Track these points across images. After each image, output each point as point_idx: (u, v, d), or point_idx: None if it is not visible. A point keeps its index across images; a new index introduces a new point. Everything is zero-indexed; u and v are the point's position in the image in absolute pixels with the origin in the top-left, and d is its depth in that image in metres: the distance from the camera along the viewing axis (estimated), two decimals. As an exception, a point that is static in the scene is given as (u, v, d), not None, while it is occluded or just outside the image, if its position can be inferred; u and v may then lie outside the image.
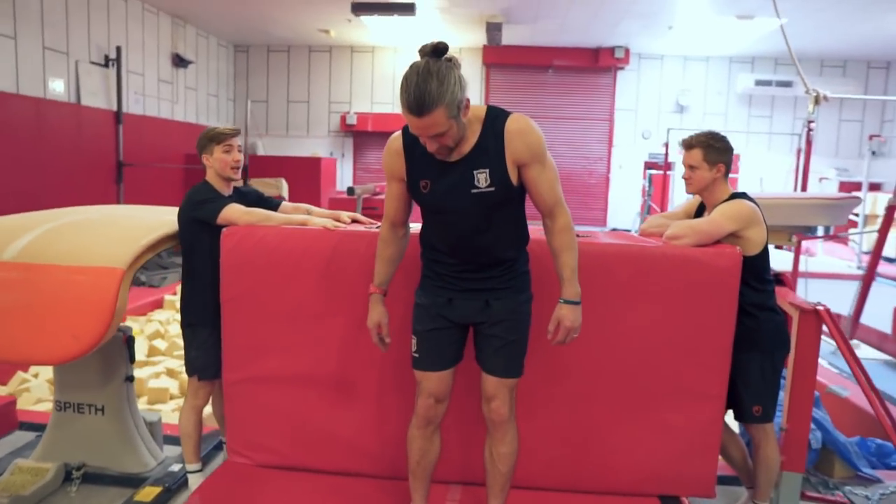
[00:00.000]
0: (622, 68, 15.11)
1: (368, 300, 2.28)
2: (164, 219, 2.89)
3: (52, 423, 3.08)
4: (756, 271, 2.63)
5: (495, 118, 2.10)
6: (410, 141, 2.12)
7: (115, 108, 10.65)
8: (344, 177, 15.94)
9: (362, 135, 15.95)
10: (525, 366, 2.27)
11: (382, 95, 15.83)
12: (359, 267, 2.54)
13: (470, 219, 2.11)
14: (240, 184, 3.01)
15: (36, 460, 3.04)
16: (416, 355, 2.25)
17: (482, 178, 2.06)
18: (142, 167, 11.20)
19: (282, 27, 13.84)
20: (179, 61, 12.98)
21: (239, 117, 16.00)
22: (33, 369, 4.72)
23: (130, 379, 3.11)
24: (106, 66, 10.60)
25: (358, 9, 11.34)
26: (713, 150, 2.67)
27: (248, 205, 2.91)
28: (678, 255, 2.53)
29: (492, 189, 2.07)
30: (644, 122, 15.34)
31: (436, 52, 1.95)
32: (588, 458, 2.63)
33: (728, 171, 2.72)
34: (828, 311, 2.95)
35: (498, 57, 15.08)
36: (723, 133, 2.76)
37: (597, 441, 2.62)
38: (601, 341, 2.55)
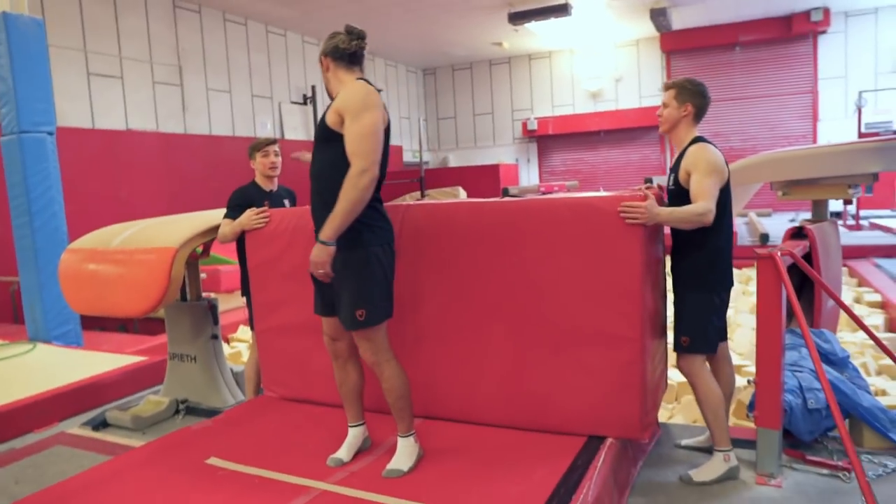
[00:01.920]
0: (823, 32, 13.62)
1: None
2: (216, 217, 3.78)
3: (168, 370, 4.16)
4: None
5: (350, 83, 2.58)
6: None
7: (313, 138, 12.49)
8: (530, 179, 16.52)
9: (545, 138, 16.41)
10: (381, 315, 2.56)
11: (562, 98, 16.14)
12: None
13: (313, 152, 2.65)
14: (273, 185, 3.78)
15: (160, 396, 4.14)
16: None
17: (321, 118, 2.60)
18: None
19: (460, 47, 14.96)
20: (371, 91, 14.69)
21: (431, 135, 17.47)
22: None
23: (215, 337, 4.07)
24: (304, 103, 12.53)
25: (514, 18, 11.94)
26: (685, 90, 2.83)
27: (279, 198, 3.71)
28: (583, 205, 2.73)
29: (319, 126, 2.58)
30: (857, 89, 13.57)
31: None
32: (522, 397, 2.88)
33: (697, 114, 2.83)
34: (791, 255, 2.89)
35: (677, 42, 14.56)
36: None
37: (528, 381, 2.86)
38: (523, 288, 2.82)
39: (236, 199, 3.57)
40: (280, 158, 3.76)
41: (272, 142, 3.75)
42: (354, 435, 2.84)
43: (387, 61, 15.62)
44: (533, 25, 12.42)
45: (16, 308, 6.96)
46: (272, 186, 3.76)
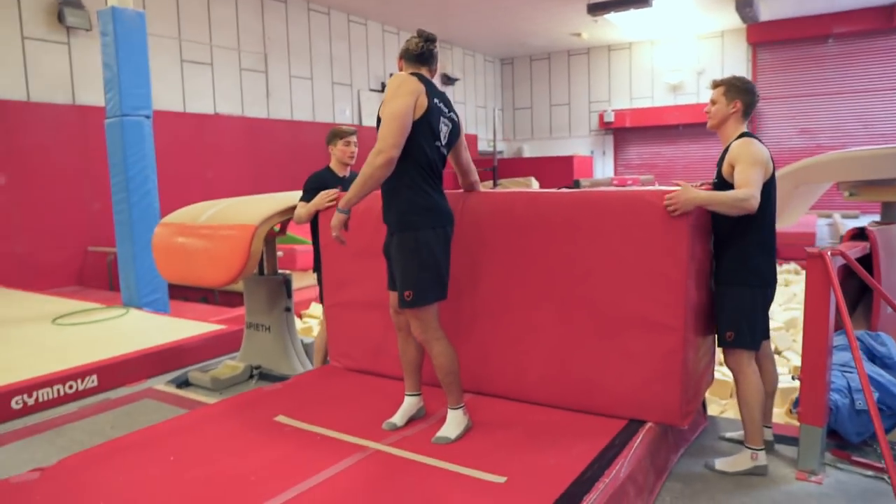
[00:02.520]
0: (927, 24, 12.84)
1: None
2: (294, 198, 4.06)
3: (245, 338, 4.52)
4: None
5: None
6: None
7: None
8: (605, 172, 16.35)
9: (622, 131, 16.20)
10: (438, 295, 2.76)
11: (641, 90, 15.87)
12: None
13: None
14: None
15: (236, 361, 4.50)
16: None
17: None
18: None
19: (539, 37, 14.94)
20: (447, 80, 14.90)
21: (507, 125, 17.53)
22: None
23: (288, 309, 4.39)
24: (382, 91, 12.88)
25: (593, 9, 11.83)
26: (734, 87, 2.90)
27: (351, 182, 3.94)
28: (633, 198, 2.83)
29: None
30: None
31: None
32: (568, 378, 3.01)
33: (745, 111, 2.89)
34: (843, 255, 2.91)
35: (764, 34, 14.05)
36: None
37: (575, 363, 2.99)
38: (574, 275, 2.95)
39: (312, 184, 3.84)
40: (357, 149, 4.01)
41: (354, 132, 4.00)
42: (410, 403, 3.05)
43: (465, 50, 15.78)
44: (612, 16, 12.27)
45: (111, 276, 7.59)
46: (345, 173, 4.01)
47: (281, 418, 3.05)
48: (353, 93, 12.37)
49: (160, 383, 4.38)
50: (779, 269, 8.80)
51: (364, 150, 4.37)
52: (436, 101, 2.78)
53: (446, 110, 2.86)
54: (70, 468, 2.62)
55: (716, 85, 2.98)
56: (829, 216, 12.24)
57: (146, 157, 5.97)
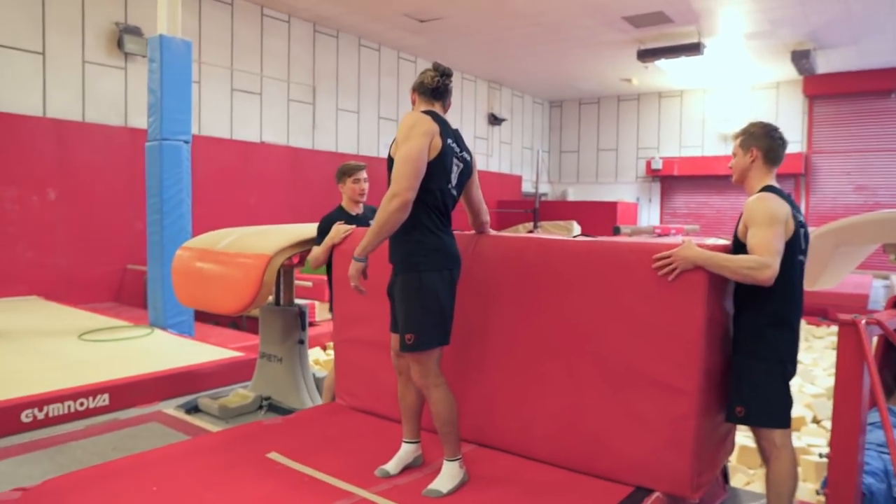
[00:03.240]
0: None
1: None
2: (312, 230, 4.02)
3: (257, 367, 4.47)
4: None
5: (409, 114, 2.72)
6: None
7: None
8: (650, 219, 16.06)
9: (669, 179, 15.93)
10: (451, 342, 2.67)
11: (691, 139, 15.62)
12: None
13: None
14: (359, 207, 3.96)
15: (248, 390, 4.45)
16: None
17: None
18: (459, 212, 13.24)
19: (589, 82, 14.92)
20: (494, 120, 14.96)
21: (553, 168, 17.45)
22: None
23: (302, 342, 4.33)
24: (427, 128, 12.97)
25: (643, 55, 11.77)
26: (749, 135, 2.70)
27: (365, 220, 3.88)
28: (649, 251, 2.68)
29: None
30: None
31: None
32: (574, 437, 2.82)
33: (767, 158, 2.67)
34: (879, 324, 2.69)
35: (822, 87, 13.71)
36: None
37: (582, 422, 2.80)
38: (586, 328, 2.79)
39: (324, 226, 3.76)
40: (368, 184, 3.94)
41: (362, 167, 3.92)
42: (406, 450, 2.92)
43: (513, 91, 15.84)
44: (663, 63, 12.17)
45: (147, 295, 7.72)
46: (358, 210, 3.93)
47: (274, 455, 2.96)
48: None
49: (171, 407, 4.35)
50: (826, 331, 8.37)
51: (380, 178, 4.32)
52: (449, 141, 2.71)
53: (458, 150, 2.79)
54: (51, 490, 2.57)
55: (735, 137, 2.81)
56: (886, 277, 11.68)
57: (182, 181, 6.08)
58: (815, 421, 4.78)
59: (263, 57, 10.10)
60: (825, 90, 13.75)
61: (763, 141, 2.68)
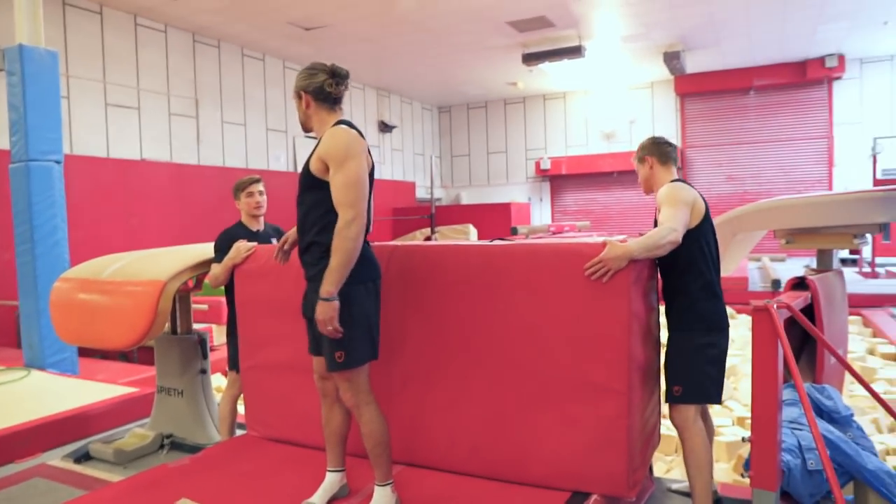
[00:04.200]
0: (838, 78, 13.59)
1: None
2: (209, 251, 3.74)
3: (155, 403, 4.10)
4: (689, 251, 2.67)
5: (332, 126, 2.55)
6: None
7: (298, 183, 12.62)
8: (542, 218, 16.47)
9: (558, 178, 16.42)
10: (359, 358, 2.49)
11: (576, 138, 16.18)
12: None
13: (299, 201, 2.60)
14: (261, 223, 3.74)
15: (146, 429, 4.07)
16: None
17: (305, 163, 2.57)
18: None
19: (476, 86, 15.11)
20: (385, 127, 14.84)
21: (445, 172, 17.55)
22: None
23: (203, 371, 4.02)
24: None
25: (528, 59, 12.05)
26: (642, 149, 2.97)
27: (266, 237, 3.66)
28: (569, 251, 2.66)
29: (303, 171, 2.55)
30: (873, 135, 13.44)
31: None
32: (504, 448, 2.77)
33: (661, 161, 2.91)
34: (788, 308, 2.80)
35: (691, 86, 14.60)
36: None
37: (510, 431, 2.75)
38: (509, 334, 2.74)
39: (223, 242, 3.52)
40: (265, 197, 3.71)
41: (256, 180, 3.69)
42: (331, 480, 2.75)
43: (402, 98, 15.79)
44: (547, 66, 12.52)
45: (20, 333, 6.97)
46: (259, 226, 3.71)
47: (185, 502, 2.69)
48: (289, 139, 12.10)
49: (56, 457, 3.91)
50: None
51: (280, 193, 4.08)
52: (369, 153, 2.60)
53: (372, 160, 2.66)
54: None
55: (633, 160, 3.03)
56: (758, 259, 12.59)
57: (55, 205, 5.53)
58: (719, 402, 4.98)
59: (140, 69, 9.45)
60: (694, 88, 14.67)
61: (651, 148, 2.94)
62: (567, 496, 2.66)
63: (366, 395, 2.57)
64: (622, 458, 2.61)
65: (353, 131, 2.52)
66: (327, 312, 2.39)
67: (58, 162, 5.58)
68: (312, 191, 2.53)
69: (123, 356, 6.91)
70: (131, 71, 9.34)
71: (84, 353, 6.03)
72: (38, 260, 5.45)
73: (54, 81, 5.61)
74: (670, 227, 2.57)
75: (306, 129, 2.67)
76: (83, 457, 3.84)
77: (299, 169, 11.24)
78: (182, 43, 10.09)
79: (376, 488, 2.59)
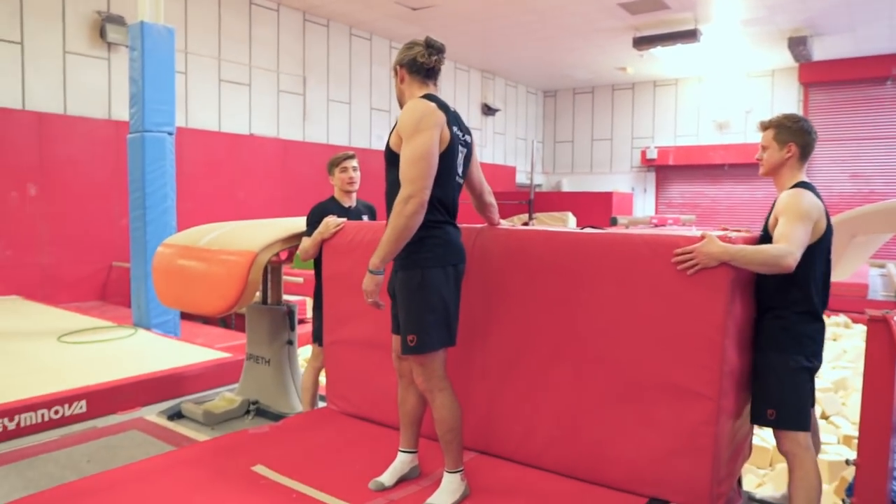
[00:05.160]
0: None
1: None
2: (302, 224, 3.80)
3: (244, 369, 4.25)
4: (798, 270, 2.38)
5: (412, 101, 2.49)
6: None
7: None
8: (646, 210, 15.88)
9: (664, 168, 15.74)
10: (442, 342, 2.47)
11: (686, 127, 15.43)
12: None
13: (385, 177, 2.55)
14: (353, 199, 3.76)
15: (235, 394, 4.23)
16: None
17: (386, 139, 2.52)
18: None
19: (583, 70, 14.69)
20: (488, 110, 14.72)
21: (547, 158, 17.24)
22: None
23: (290, 342, 4.11)
24: (419, 119, 12.73)
25: (639, 43, 11.56)
26: (785, 129, 2.58)
27: (357, 213, 3.69)
28: (665, 243, 2.48)
29: (386, 147, 2.50)
30: None
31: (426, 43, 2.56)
32: (581, 445, 2.64)
33: (803, 154, 2.59)
34: (909, 319, 2.50)
35: (818, 74, 13.53)
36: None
37: (588, 428, 2.61)
38: (594, 327, 2.59)
39: (315, 216, 3.56)
40: (359, 173, 3.72)
41: (350, 156, 3.71)
42: (402, 460, 2.73)
43: (507, 81, 15.61)
44: (659, 51, 11.95)
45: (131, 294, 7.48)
46: (351, 202, 3.74)
47: (259, 468, 2.75)
48: (391, 119, 12.25)
49: (153, 413, 4.13)
50: (826, 321, 8.22)
51: (369, 171, 4.08)
52: (455, 129, 2.53)
53: (462, 135, 2.60)
54: (15, 514, 2.37)
55: (765, 127, 2.66)
56: (882, 266, 11.55)
57: (166, 175, 5.84)
58: (824, 417, 4.61)
59: (252, 46, 9.83)
60: (820, 77, 13.58)
61: (801, 137, 2.58)
62: (643, 502, 2.51)
63: (439, 380, 2.52)
64: (706, 467, 2.43)
65: (432, 104, 2.45)
66: (370, 285, 2.41)
67: (170, 133, 5.88)
68: (393, 167, 2.49)
69: (223, 322, 7.25)
70: (244, 48, 9.72)
71: (186, 316, 6.37)
72: (148, 226, 5.78)
73: (170, 56, 5.89)
74: (789, 251, 2.29)
75: (402, 103, 2.61)
76: (176, 415, 4.04)
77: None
78: (293, 21, 10.39)
79: (445, 474, 2.54)
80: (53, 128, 7.65)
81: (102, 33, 8.02)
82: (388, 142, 2.52)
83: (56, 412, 3.84)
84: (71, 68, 7.93)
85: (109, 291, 8.19)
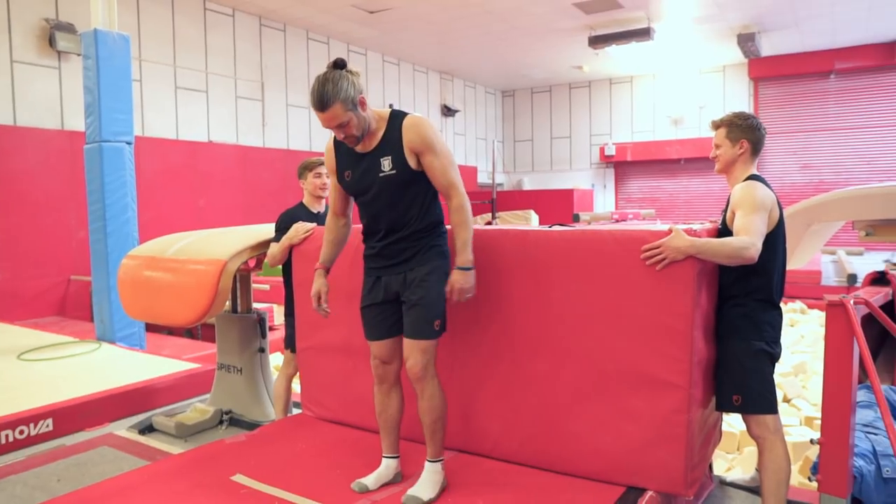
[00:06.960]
0: (929, 61, 12.71)
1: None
2: (270, 231, 3.78)
3: (215, 379, 4.21)
4: (759, 259, 2.45)
5: (396, 117, 2.53)
6: (338, 140, 2.63)
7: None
8: (606, 205, 16.12)
9: (623, 165, 16.02)
10: (447, 330, 2.61)
11: (642, 124, 15.72)
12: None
13: (381, 198, 2.56)
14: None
15: (206, 405, 4.18)
16: (364, 327, 2.73)
17: (386, 164, 2.52)
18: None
19: (540, 70, 14.86)
20: (447, 111, 14.78)
21: (507, 157, 17.38)
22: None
23: (262, 350, 4.09)
24: (380, 121, 12.71)
25: (595, 42, 11.75)
26: (736, 127, 2.69)
27: (325, 218, 3.67)
28: (632, 238, 2.55)
29: (394, 172, 2.51)
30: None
31: (335, 65, 2.44)
32: (558, 439, 2.70)
33: (754, 150, 2.69)
34: (866, 304, 2.62)
35: (766, 69, 13.93)
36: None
37: (564, 422, 2.68)
38: (567, 322, 2.66)
39: (284, 222, 3.55)
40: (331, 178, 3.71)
41: (322, 162, 3.71)
42: (387, 466, 2.74)
43: (465, 82, 15.69)
44: (613, 49, 12.17)
45: (92, 307, 7.30)
46: (320, 208, 3.73)
47: (239, 478, 2.74)
48: (351, 122, 12.21)
49: (122, 428, 4.06)
50: (784, 308, 8.48)
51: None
52: None
53: None
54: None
55: (717, 126, 2.77)
56: (833, 253, 11.98)
57: (126, 185, 5.73)
58: (786, 400, 4.77)
59: (208, 53, 9.69)
60: (769, 72, 13.99)
61: (752, 134, 2.68)
62: (621, 491, 2.57)
63: (433, 367, 2.60)
64: (680, 454, 2.50)
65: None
66: (469, 280, 2.52)
67: (129, 143, 5.77)
68: (412, 186, 2.55)
69: (188, 332, 7.14)
70: (200, 55, 9.57)
71: (151, 328, 6.26)
72: (109, 237, 5.66)
73: (126, 64, 5.79)
74: (751, 242, 2.38)
75: (368, 131, 2.53)
76: (147, 428, 3.97)
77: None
78: (249, 27, 10.28)
79: (427, 464, 2.58)
80: (3, 140, 7.43)
81: (52, 41, 7.82)
82: (394, 165, 2.51)
83: (21, 432, 3.74)
84: (20, 78, 7.71)
85: (69, 306, 7.98)
